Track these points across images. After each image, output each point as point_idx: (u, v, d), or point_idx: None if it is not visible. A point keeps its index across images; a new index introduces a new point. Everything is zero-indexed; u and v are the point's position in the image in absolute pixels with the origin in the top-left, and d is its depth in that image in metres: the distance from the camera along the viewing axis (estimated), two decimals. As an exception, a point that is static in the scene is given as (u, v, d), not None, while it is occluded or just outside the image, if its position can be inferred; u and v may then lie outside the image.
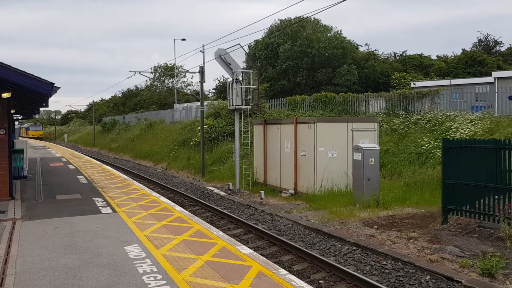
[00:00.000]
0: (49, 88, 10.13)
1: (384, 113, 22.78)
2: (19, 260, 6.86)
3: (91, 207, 11.21)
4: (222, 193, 18.05)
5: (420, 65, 38.69)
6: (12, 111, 17.93)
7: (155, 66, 62.86)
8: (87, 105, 79.32)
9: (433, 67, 37.28)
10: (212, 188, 19.36)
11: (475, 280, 7.57)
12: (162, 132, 36.94)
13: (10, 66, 9.97)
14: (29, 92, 11.48)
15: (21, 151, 17.57)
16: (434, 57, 42.72)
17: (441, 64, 38.05)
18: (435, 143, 17.57)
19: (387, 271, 8.49)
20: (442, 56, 43.18)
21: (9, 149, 12.97)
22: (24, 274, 6.22)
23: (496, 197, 9.89)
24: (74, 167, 21.14)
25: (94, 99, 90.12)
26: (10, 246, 7.70)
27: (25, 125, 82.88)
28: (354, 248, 9.88)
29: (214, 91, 45.47)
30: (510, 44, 42.91)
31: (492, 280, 7.58)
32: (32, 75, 10.00)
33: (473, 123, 18.11)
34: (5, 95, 11.06)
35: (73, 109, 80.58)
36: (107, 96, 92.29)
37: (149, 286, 5.70)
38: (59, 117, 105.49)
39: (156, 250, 7.24)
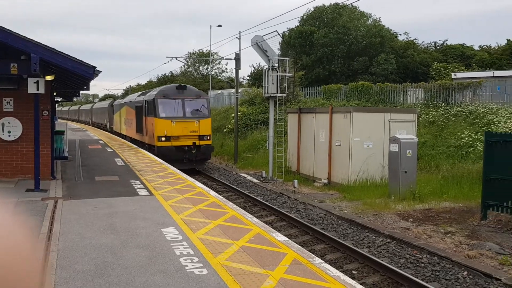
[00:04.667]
0: (91, 72, 10.38)
1: (422, 104, 22.23)
2: (61, 238, 7.11)
3: (128, 189, 11.48)
4: (255, 181, 18.13)
5: (461, 56, 37.40)
6: (54, 94, 18.47)
7: (189, 52, 63.34)
8: (123, 90, 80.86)
9: (475, 57, 35.98)
10: (245, 175, 19.47)
11: (516, 278, 7.35)
12: (196, 118, 37.24)
13: (55, 49, 10.24)
14: (72, 75, 11.80)
15: (61, 133, 18.13)
16: (476, 48, 41.20)
17: (484, 55, 36.69)
18: (476, 137, 17.04)
19: (422, 265, 8.35)
20: (485, 46, 41.57)
21: (51, 130, 13.41)
22: (66, 251, 6.44)
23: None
24: (111, 150, 21.66)
25: (131, 84, 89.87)
26: (53, 224, 7.99)
27: (151, 94, 21.59)
28: (389, 240, 9.76)
29: (248, 78, 45.52)
30: (559, 35, 40.85)
31: (534, 279, 7.34)
32: (76, 58, 10.25)
33: (517, 116, 17.44)
34: (48, 77, 11.38)
35: (110, 93, 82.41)
36: (143, 81, 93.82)
37: (186, 268, 5.81)
38: (96, 100, 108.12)
39: (192, 234, 7.36)
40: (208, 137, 20.08)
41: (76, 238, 7.08)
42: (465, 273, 7.83)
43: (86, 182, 12.54)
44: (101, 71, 11.68)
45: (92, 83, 13.25)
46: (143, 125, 22.02)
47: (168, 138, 19.49)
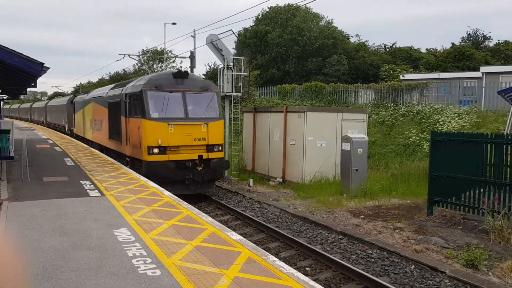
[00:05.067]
0: (39, 68, 9.97)
1: (373, 104, 22.94)
2: (7, 241, 6.79)
3: (78, 189, 11.12)
4: (210, 180, 18.04)
5: (409, 58, 38.95)
6: (-2, 91, 17.62)
7: (143, 50, 62.03)
8: (74, 87, 78.08)
9: (422, 60, 37.58)
10: (200, 174, 19.33)
11: (459, 270, 7.74)
12: (150, 116, 36.55)
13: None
14: (18, 71, 11.29)
15: (7, 132, 17.32)
16: (423, 50, 43.03)
17: (430, 58, 38.35)
18: (423, 136, 17.78)
19: (372, 260, 8.63)
20: (431, 49, 43.49)
21: (-5, 129, 12.79)
22: (12, 255, 6.17)
23: (481, 190, 10.09)
24: (60, 149, 20.91)
25: (82, 81, 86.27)
26: (-3, 226, 7.62)
27: (136, 85, 14.69)
28: (341, 236, 10.01)
29: (204, 77, 45.23)
30: (498, 40, 43.42)
31: (476, 271, 7.76)
32: (22, 54, 9.82)
33: (460, 116, 18.35)
34: (-8, 74, 10.84)
35: (59, 91, 79.25)
36: (94, 79, 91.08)
37: (138, 269, 5.71)
38: (45, 98, 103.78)
39: (146, 234, 7.24)
40: (220, 148, 14.35)
41: (22, 241, 6.79)
42: (413, 267, 8.16)
43: (33, 183, 12.04)
44: (49, 68, 11.26)
45: (40, 80, 12.73)
46: (122, 129, 15.62)
47: (163, 150, 13.52)
